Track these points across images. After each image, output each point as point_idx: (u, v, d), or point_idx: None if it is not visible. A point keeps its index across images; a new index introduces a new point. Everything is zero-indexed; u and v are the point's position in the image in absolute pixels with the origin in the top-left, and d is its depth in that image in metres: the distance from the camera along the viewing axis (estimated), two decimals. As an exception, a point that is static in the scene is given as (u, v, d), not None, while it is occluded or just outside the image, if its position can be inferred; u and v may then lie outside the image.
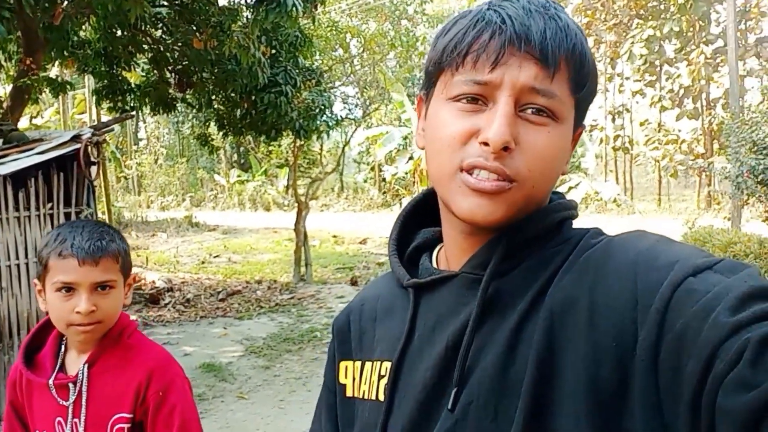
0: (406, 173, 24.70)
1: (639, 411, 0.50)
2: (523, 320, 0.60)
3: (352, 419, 0.77)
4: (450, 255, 0.71)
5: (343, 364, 0.80)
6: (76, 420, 1.28)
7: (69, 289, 1.24)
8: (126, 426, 1.29)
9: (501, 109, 0.59)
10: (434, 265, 0.74)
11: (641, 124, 25.72)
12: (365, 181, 28.58)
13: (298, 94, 8.34)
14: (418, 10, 14.20)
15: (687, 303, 0.49)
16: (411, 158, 23.49)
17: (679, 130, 23.70)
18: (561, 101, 0.61)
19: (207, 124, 9.90)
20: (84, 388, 1.29)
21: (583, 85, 0.62)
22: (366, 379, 0.74)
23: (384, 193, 26.38)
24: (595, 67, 0.64)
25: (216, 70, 7.15)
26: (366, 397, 0.74)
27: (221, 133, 8.94)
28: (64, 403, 1.29)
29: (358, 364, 0.77)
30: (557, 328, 0.57)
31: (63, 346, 1.35)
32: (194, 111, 9.55)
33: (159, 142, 34.06)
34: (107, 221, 12.95)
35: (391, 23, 13.06)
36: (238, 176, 28.34)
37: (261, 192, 26.98)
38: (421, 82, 0.70)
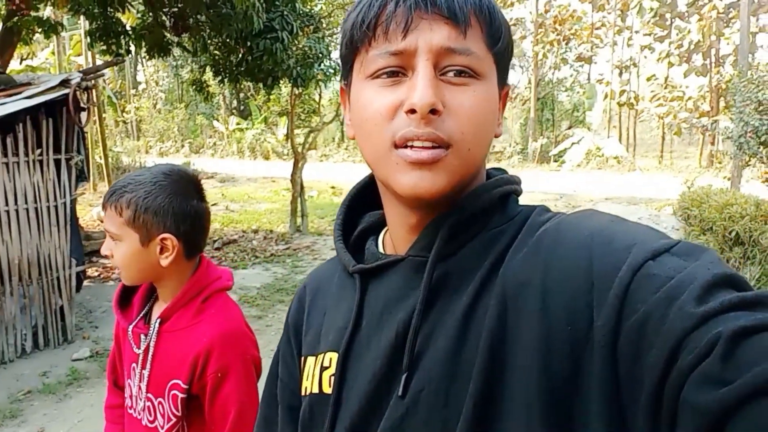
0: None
1: (596, 397, 0.49)
2: (474, 303, 0.58)
3: None
4: (395, 238, 0.69)
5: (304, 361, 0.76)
6: (143, 371, 1.26)
7: None
8: (181, 395, 1.21)
9: (421, 72, 0.58)
10: (381, 249, 0.72)
11: (648, 80, 25.28)
12: (366, 132, 28.28)
13: (296, 41, 8.11)
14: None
15: (648, 289, 0.47)
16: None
17: (686, 87, 23.32)
18: (479, 58, 0.60)
19: (203, 69, 9.66)
20: (152, 344, 1.26)
21: (498, 38, 0.62)
22: (308, 375, 0.71)
23: (385, 144, 26.13)
24: (506, 21, 0.63)
25: (211, 14, 6.94)
26: (308, 392, 0.70)
27: (217, 80, 8.75)
28: (137, 351, 1.27)
29: (302, 360, 0.74)
30: (510, 310, 0.55)
31: (156, 293, 1.34)
32: (191, 55, 9.32)
33: (158, 86, 33.55)
34: (104, 166, 12.85)
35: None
36: (237, 124, 28.03)
37: (260, 140, 26.74)
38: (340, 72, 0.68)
